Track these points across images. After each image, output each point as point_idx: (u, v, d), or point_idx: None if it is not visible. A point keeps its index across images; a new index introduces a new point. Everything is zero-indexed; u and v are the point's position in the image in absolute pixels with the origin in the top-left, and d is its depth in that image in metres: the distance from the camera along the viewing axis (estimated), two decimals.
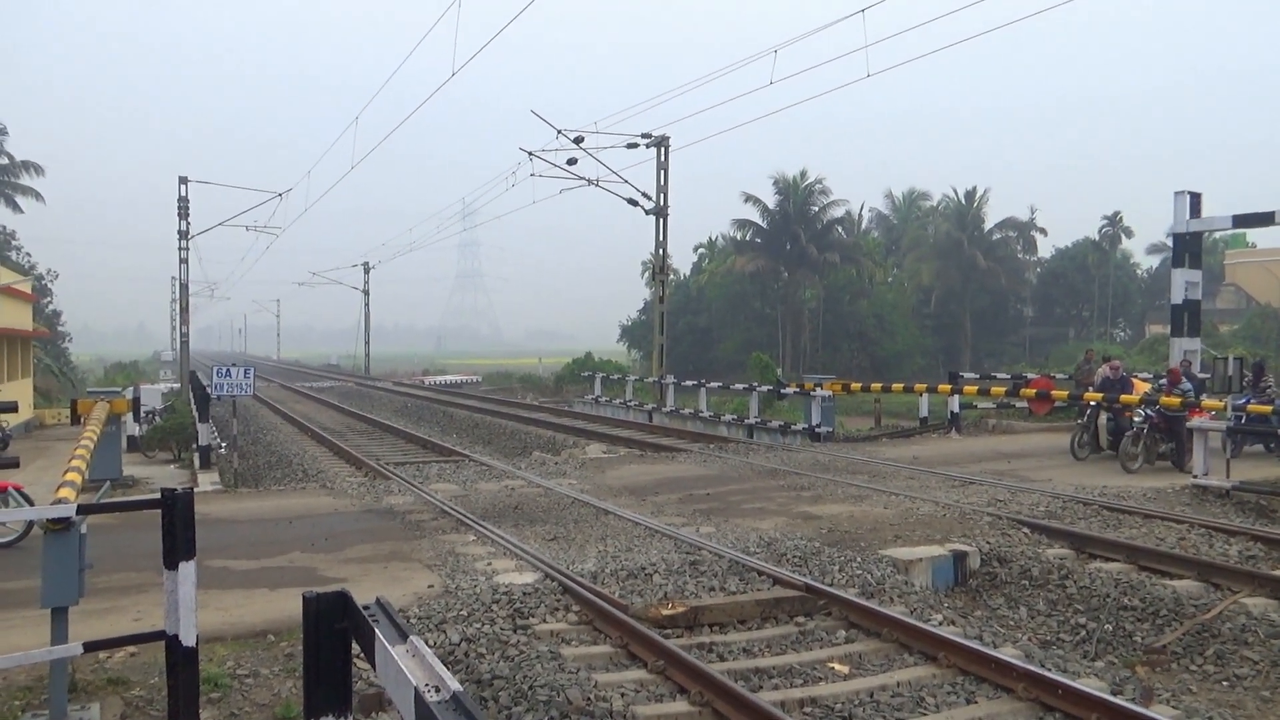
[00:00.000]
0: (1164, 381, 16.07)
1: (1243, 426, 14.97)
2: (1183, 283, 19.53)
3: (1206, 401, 15.40)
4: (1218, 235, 55.57)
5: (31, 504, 9.78)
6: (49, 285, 49.84)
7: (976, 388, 22.25)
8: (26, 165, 50.04)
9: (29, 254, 50.10)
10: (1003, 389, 22.04)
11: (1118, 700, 5.54)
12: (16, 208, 49.82)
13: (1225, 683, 6.78)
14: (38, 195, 50.20)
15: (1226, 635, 7.30)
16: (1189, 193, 19.38)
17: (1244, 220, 19.69)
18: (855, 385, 24.11)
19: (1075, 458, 15.90)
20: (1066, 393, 19.44)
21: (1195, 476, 12.83)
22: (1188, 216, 19.36)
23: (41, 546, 4.99)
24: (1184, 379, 15.65)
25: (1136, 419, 15.00)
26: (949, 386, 21.52)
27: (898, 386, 24.26)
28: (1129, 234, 65.65)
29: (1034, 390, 20.63)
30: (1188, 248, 19.65)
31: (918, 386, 23.17)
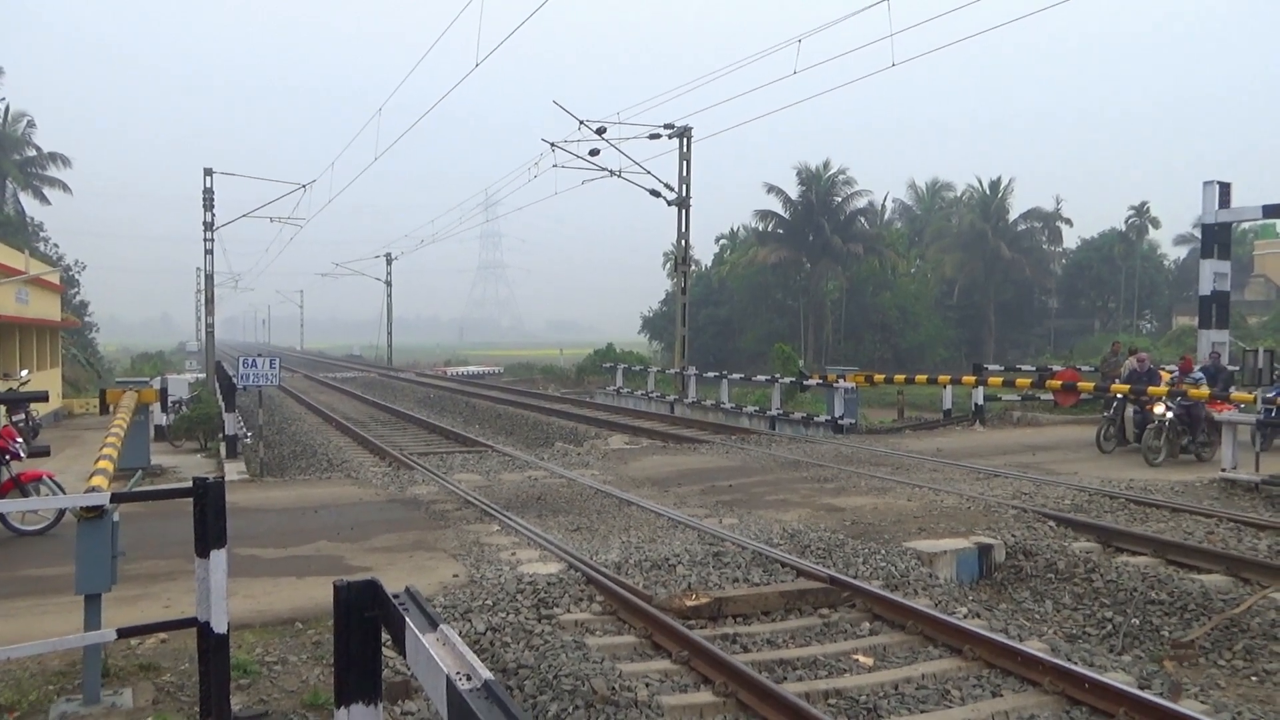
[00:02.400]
0: (1176, 373, 15.86)
1: (1273, 419, 14.77)
2: (1211, 274, 19.30)
3: (1236, 394, 15.21)
4: (1246, 226, 54.91)
5: (63, 492, 9.93)
6: (76, 276, 50.40)
7: (1001, 379, 22.07)
8: (54, 157, 50.63)
9: (56, 245, 50.69)
10: (1028, 380, 21.86)
11: (1145, 694, 5.51)
12: (44, 199, 50.45)
13: (1254, 678, 6.71)
14: (65, 186, 50.81)
15: (1256, 630, 7.23)
16: (1218, 183, 19.13)
17: (1274, 210, 19.41)
18: (879, 377, 23.97)
19: (1101, 450, 15.78)
20: (1093, 384, 19.27)
21: (1224, 470, 12.70)
22: (1217, 207, 19.12)
23: (76, 534, 5.07)
24: (1195, 368, 15.45)
25: (1157, 411, 14.86)
26: (973, 378, 21.39)
27: (921, 378, 24.14)
28: (1156, 225, 64.89)
29: (1060, 382, 20.46)
30: (1216, 238, 19.41)
31: (941, 378, 23.06)
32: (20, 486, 9.74)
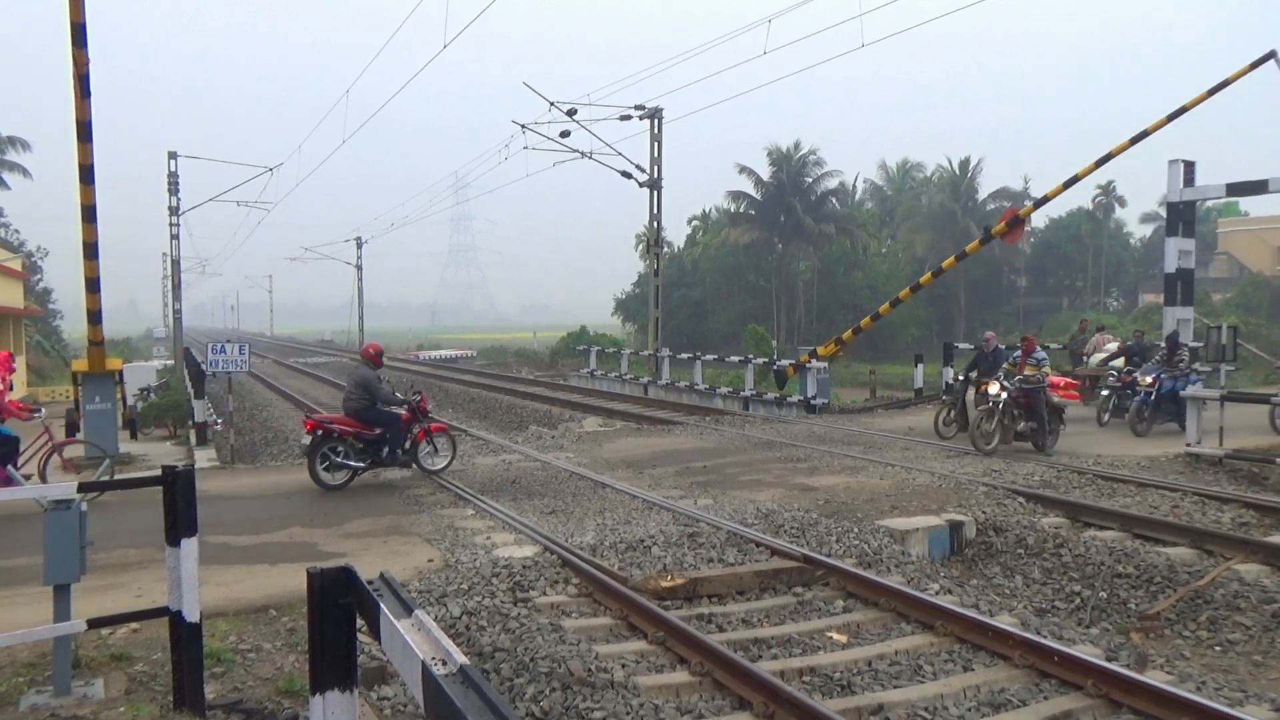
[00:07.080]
0: (1018, 353, 14.03)
1: (1117, 386, 15.96)
2: (1176, 251, 19.57)
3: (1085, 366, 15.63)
4: (1211, 204, 55.52)
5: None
6: (39, 262, 49.49)
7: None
8: (13, 140, 49.45)
9: (18, 231, 49.75)
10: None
11: (1112, 666, 5.61)
12: (3, 184, 49.35)
13: (1218, 648, 6.86)
14: (25, 171, 49.69)
15: (1219, 601, 7.38)
16: (1183, 161, 19.36)
17: (1237, 189, 19.68)
18: (847, 334, 24.16)
19: (941, 436, 14.79)
20: (1032, 207, 19.98)
21: (1189, 445, 12.93)
22: (1181, 185, 19.36)
23: (44, 524, 5.00)
24: (1037, 349, 13.88)
25: (991, 392, 13.47)
26: (928, 276, 21.96)
27: (884, 307, 25.22)
28: (1122, 203, 65.59)
29: (1003, 223, 21.03)
30: (1181, 216, 19.66)
31: (902, 293, 24.13)
32: (430, 437, 11.96)
